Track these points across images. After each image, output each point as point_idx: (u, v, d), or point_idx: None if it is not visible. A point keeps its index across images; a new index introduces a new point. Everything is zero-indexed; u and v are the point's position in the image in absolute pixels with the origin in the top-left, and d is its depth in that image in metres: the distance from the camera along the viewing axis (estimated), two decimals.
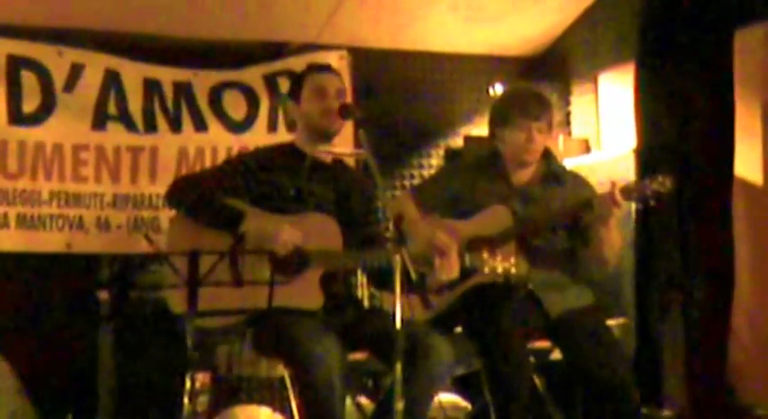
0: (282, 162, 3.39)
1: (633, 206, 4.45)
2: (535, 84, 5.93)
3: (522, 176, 3.70)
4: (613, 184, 3.44)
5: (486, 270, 3.23)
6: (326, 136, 3.38)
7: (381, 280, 3.21)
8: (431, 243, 3.29)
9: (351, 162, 3.57)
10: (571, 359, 3.45)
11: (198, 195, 3.25)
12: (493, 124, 3.72)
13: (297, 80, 3.50)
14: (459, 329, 3.64)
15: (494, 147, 3.74)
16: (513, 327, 3.37)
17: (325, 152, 3.42)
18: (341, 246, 3.25)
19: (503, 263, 3.23)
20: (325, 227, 3.26)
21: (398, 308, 2.63)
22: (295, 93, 3.45)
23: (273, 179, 3.33)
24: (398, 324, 2.62)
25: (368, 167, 2.95)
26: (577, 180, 3.76)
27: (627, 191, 3.44)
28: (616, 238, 3.58)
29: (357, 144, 3.26)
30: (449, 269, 3.25)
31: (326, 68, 3.61)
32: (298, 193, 3.31)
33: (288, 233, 3.13)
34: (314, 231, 3.23)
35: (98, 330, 4.74)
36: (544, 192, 3.67)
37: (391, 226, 2.73)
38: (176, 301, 3.04)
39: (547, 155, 3.73)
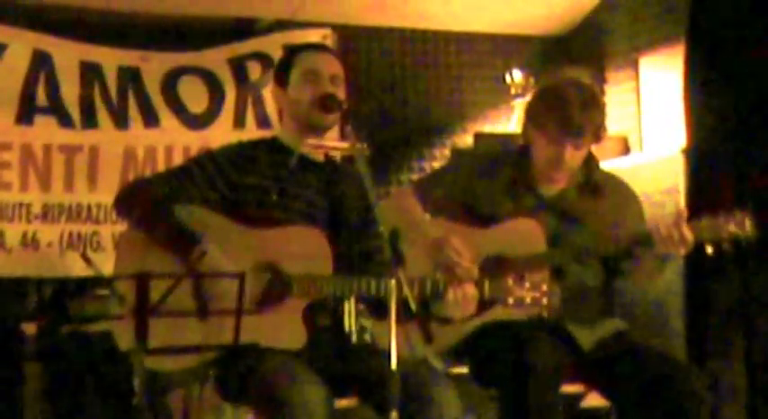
0: (263, 160, 3.39)
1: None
2: (563, 69, 5.98)
3: (555, 185, 3.70)
4: (680, 215, 3.40)
5: (511, 301, 3.21)
6: (316, 129, 3.39)
7: (383, 309, 3.22)
8: (440, 253, 3.35)
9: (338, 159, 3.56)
10: (617, 393, 3.50)
11: (152, 203, 3.25)
12: (527, 120, 3.73)
13: (285, 60, 3.50)
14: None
15: (525, 146, 3.74)
16: (545, 369, 3.39)
17: (315, 147, 3.40)
18: (330, 269, 3.24)
19: (531, 293, 3.21)
20: (313, 243, 3.25)
21: (394, 345, 2.65)
22: (282, 76, 3.44)
23: (251, 181, 3.34)
24: (394, 364, 2.64)
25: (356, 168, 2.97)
26: (621, 190, 3.74)
27: (697, 230, 3.38)
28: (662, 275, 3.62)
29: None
30: (464, 303, 3.25)
31: (323, 48, 3.61)
32: (281, 198, 3.34)
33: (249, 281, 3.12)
34: (299, 249, 3.23)
35: (22, 372, 4.74)
36: (581, 207, 3.67)
37: (385, 242, 2.75)
38: (123, 335, 3.06)
39: (588, 160, 3.73)
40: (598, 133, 3.59)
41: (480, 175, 3.76)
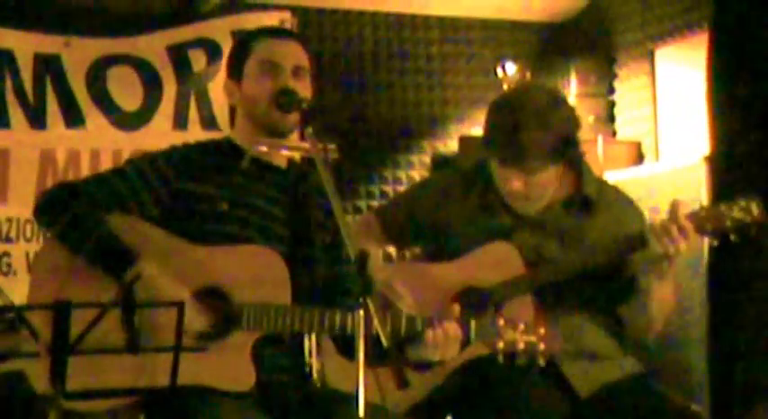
0: (212, 164, 3.40)
1: (705, 245, 4.49)
2: (565, 61, 6.01)
3: (536, 201, 3.72)
4: (675, 206, 3.45)
5: (501, 345, 3.22)
6: (274, 131, 3.40)
7: (351, 346, 3.22)
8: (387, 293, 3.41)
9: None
10: None
11: (78, 212, 3.25)
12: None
13: (240, 47, 3.52)
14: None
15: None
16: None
17: (267, 146, 3.39)
18: (288, 297, 3.24)
19: (526, 336, 3.21)
20: (268, 265, 3.25)
21: (361, 389, 2.65)
22: (235, 66, 3.46)
23: (197, 189, 3.34)
24: (362, 411, 2.65)
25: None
26: (618, 203, 3.78)
27: (697, 220, 3.44)
28: (669, 290, 3.62)
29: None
30: (445, 345, 3.24)
31: (286, 33, 3.62)
32: (232, 209, 3.34)
33: (189, 310, 3.12)
34: (250, 272, 3.22)
35: None
36: (569, 225, 3.69)
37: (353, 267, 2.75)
38: (38, 376, 3.04)
39: (575, 168, 3.75)
40: (559, 151, 3.60)
41: (449, 195, 3.80)
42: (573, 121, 3.66)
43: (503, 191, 3.68)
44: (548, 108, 3.62)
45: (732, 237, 3.45)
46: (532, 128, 3.55)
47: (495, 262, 3.62)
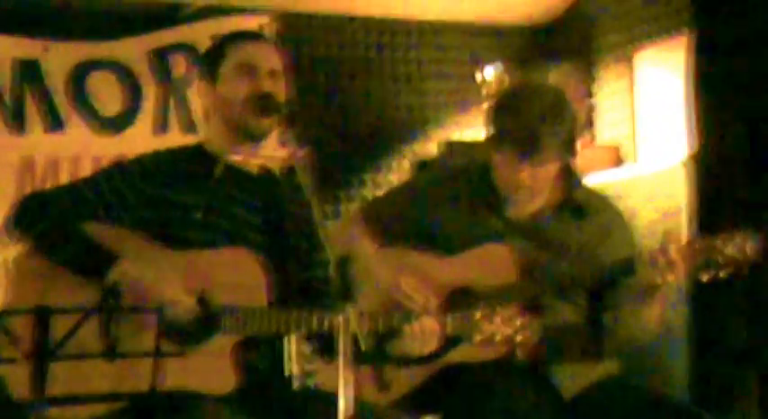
0: (184, 171, 3.40)
1: None
2: (545, 65, 6.02)
3: (526, 205, 3.72)
4: (667, 237, 3.42)
5: (479, 337, 3.23)
6: (250, 135, 3.40)
7: (331, 348, 3.23)
8: (394, 293, 3.37)
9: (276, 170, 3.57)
10: None
11: (54, 220, 3.25)
12: (486, 130, 3.76)
13: (214, 50, 3.53)
14: None
15: (486, 159, 3.77)
16: None
17: (246, 156, 3.40)
18: (266, 299, 3.24)
19: (503, 328, 3.23)
20: (245, 268, 3.25)
21: (342, 390, 2.65)
22: (210, 69, 3.46)
23: (170, 196, 3.34)
24: (342, 414, 2.65)
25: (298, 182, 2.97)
26: (606, 210, 3.77)
27: (688, 252, 3.38)
28: (655, 316, 3.62)
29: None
30: (423, 338, 3.27)
31: (259, 37, 3.63)
32: (206, 216, 3.34)
33: (174, 294, 3.14)
34: (228, 275, 3.23)
35: None
36: (558, 231, 3.69)
37: (333, 271, 2.75)
38: (16, 382, 3.04)
39: (565, 174, 3.76)
40: (567, 147, 3.61)
41: (437, 196, 3.79)
42: (575, 118, 3.68)
43: (507, 185, 3.66)
44: (560, 101, 3.64)
45: (722, 274, 3.37)
46: (551, 119, 3.55)
47: (490, 263, 3.62)
